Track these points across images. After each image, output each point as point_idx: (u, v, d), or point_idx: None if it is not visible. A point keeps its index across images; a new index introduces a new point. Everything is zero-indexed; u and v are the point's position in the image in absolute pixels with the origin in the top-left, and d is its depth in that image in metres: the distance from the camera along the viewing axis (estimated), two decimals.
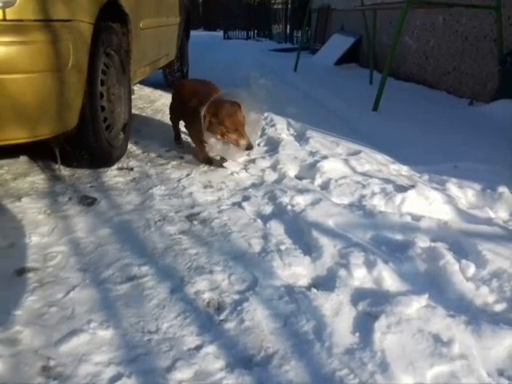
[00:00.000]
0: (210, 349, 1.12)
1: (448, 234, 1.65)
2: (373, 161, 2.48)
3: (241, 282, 1.40)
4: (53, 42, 1.72)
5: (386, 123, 3.46)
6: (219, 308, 1.28)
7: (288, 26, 14.65)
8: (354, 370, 1.05)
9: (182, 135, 2.85)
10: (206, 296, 1.33)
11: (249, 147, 2.24)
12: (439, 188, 2.07)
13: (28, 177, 2.17)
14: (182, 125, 2.75)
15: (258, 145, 2.83)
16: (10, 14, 1.60)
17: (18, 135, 1.76)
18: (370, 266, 1.44)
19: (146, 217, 1.82)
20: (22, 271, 1.42)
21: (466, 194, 2.05)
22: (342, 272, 1.42)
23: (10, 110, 1.67)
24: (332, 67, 7.43)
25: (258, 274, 1.43)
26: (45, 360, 1.07)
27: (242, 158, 2.56)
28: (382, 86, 3.84)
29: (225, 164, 2.45)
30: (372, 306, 1.26)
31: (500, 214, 1.90)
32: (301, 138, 2.97)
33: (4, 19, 1.60)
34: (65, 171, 2.27)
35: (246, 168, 2.41)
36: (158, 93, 4.71)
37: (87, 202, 1.93)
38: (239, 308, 1.26)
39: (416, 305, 1.25)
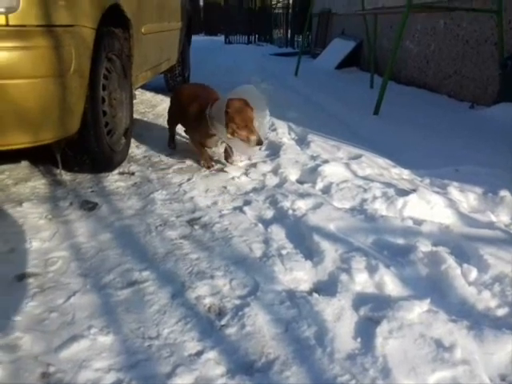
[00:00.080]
0: (211, 354, 1.11)
1: (450, 238, 1.65)
2: (374, 165, 2.47)
3: (242, 286, 1.40)
4: (55, 48, 1.72)
5: (387, 127, 3.46)
6: (220, 313, 1.27)
7: (289, 31, 14.69)
8: (355, 376, 1.04)
9: (184, 139, 2.85)
10: (207, 301, 1.32)
11: (259, 142, 2.23)
12: (441, 192, 2.07)
13: (29, 182, 2.17)
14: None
15: (260, 149, 2.83)
16: (13, 19, 1.61)
17: (20, 140, 1.76)
18: (371, 270, 1.43)
19: (147, 221, 1.82)
20: (22, 276, 1.41)
21: (468, 198, 2.04)
22: (344, 277, 1.41)
23: (12, 115, 1.68)
24: (333, 71, 7.43)
25: (260, 278, 1.43)
26: (44, 366, 1.06)
27: (243, 162, 2.56)
28: (382, 89, 3.84)
29: (226, 168, 2.46)
30: (374, 311, 1.26)
31: (502, 217, 1.89)
32: (302, 142, 2.97)
33: (7, 24, 1.60)
34: (66, 176, 2.27)
35: (246, 172, 2.41)
36: (160, 97, 4.72)
37: (88, 206, 1.93)
38: (240, 313, 1.26)
39: (418, 309, 1.24)
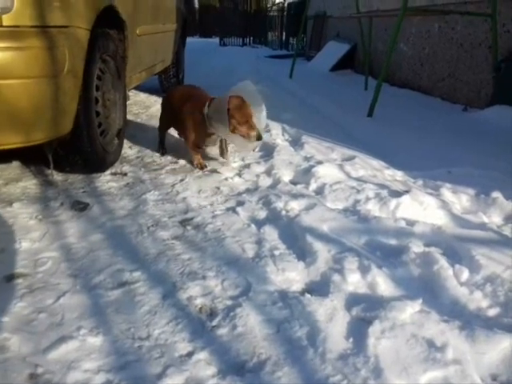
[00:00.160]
0: (202, 355, 1.11)
1: (442, 238, 1.65)
2: (367, 166, 2.48)
3: (234, 287, 1.39)
4: (49, 48, 1.71)
5: (381, 129, 3.46)
6: (212, 314, 1.26)
7: (284, 33, 14.72)
8: (347, 376, 1.04)
9: (174, 139, 2.84)
10: (199, 302, 1.31)
11: (259, 137, 2.25)
12: (433, 193, 2.07)
13: (20, 182, 2.15)
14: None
15: (253, 150, 2.83)
16: (7, 19, 1.60)
17: (12, 140, 1.74)
18: (364, 271, 1.43)
19: (139, 222, 1.81)
20: (11, 277, 1.40)
21: (460, 199, 2.05)
22: (336, 277, 1.41)
23: (4, 115, 1.66)
24: (327, 74, 7.45)
25: (252, 279, 1.42)
26: (33, 367, 1.05)
27: (237, 163, 2.56)
28: (377, 92, 3.85)
29: (219, 169, 2.45)
30: (366, 311, 1.25)
31: (494, 218, 1.89)
32: (296, 143, 2.97)
33: (1, 25, 1.59)
34: (57, 176, 2.25)
35: (240, 173, 2.40)
36: (154, 98, 4.71)
37: (79, 207, 1.92)
38: (232, 314, 1.25)
39: (410, 310, 1.24)
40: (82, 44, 1.95)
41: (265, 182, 2.28)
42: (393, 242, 1.64)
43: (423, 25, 5.41)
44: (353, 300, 1.31)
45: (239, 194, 2.13)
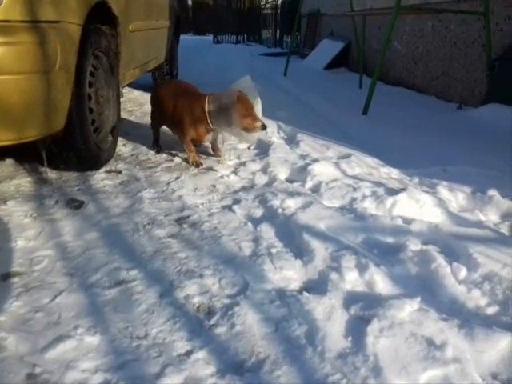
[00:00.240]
0: (200, 354, 1.10)
1: (439, 236, 1.65)
2: (363, 164, 2.48)
3: (231, 285, 1.38)
4: (40, 43, 1.69)
5: (376, 127, 3.47)
6: (209, 312, 1.26)
7: (278, 31, 14.70)
8: (346, 375, 1.03)
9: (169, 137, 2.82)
10: (196, 300, 1.31)
11: (264, 127, 2.35)
12: (430, 191, 2.07)
13: (14, 180, 2.13)
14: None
15: (249, 148, 2.82)
16: None
17: (3, 137, 1.72)
18: (361, 269, 1.43)
19: (135, 220, 1.79)
20: (6, 276, 1.38)
21: (457, 197, 2.05)
22: (334, 275, 1.40)
23: None
24: (322, 72, 7.45)
25: (249, 277, 1.41)
26: (30, 367, 1.04)
27: (233, 161, 2.55)
28: (371, 90, 3.85)
29: (215, 167, 2.44)
30: (364, 310, 1.25)
31: (490, 216, 1.90)
32: (291, 141, 2.96)
33: None
34: (52, 174, 2.23)
35: (236, 171, 2.39)
36: (147, 96, 4.63)
37: (74, 205, 1.90)
38: (230, 312, 1.24)
39: (408, 308, 1.23)
40: (74, 39, 1.93)
41: (261, 179, 2.27)
42: (390, 240, 1.63)
43: (417, 23, 5.43)
44: (351, 298, 1.31)
45: (235, 192, 2.12)
